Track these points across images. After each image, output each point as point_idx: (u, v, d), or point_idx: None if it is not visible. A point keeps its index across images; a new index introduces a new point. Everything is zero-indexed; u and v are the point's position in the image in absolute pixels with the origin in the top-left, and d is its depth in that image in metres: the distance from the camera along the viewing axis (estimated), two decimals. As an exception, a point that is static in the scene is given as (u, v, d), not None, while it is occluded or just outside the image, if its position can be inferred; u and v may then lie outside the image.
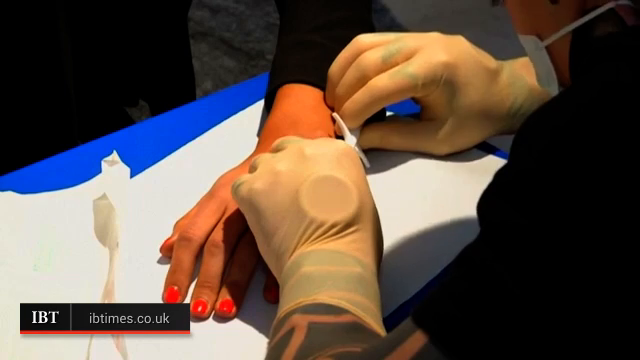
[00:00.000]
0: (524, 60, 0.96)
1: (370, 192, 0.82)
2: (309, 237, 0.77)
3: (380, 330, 0.73)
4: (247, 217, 0.83)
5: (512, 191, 0.59)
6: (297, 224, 0.78)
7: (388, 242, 0.89)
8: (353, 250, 0.77)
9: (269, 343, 0.73)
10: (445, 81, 0.95)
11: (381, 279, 0.80)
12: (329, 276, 0.74)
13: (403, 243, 0.91)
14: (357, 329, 0.71)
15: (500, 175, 0.61)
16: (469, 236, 0.91)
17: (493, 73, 0.97)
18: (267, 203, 0.80)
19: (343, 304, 0.72)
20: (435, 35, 0.96)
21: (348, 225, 0.77)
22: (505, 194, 0.60)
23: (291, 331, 0.70)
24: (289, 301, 0.74)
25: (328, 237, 0.77)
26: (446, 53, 0.94)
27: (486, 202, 0.61)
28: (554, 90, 0.75)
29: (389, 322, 0.82)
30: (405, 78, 0.93)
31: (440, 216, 0.94)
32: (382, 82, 0.94)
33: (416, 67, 0.94)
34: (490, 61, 0.98)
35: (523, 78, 0.97)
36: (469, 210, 0.94)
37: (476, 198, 0.95)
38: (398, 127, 0.98)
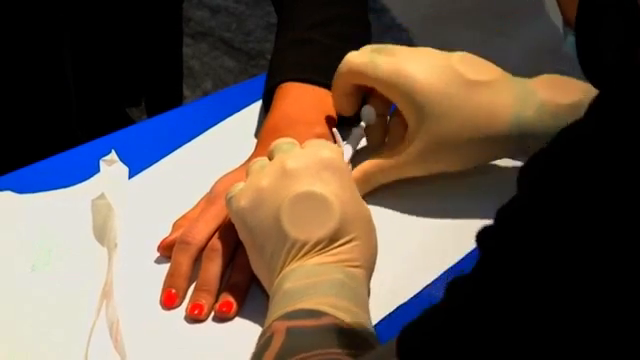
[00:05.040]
0: (545, 77, 0.92)
1: (357, 200, 0.81)
2: (294, 257, 0.77)
3: (362, 329, 0.72)
4: (238, 231, 0.83)
5: (510, 225, 0.58)
6: (281, 245, 0.78)
7: (387, 243, 0.88)
8: (338, 261, 0.77)
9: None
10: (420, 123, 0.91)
11: (369, 285, 0.80)
12: (310, 287, 0.74)
13: (402, 244, 0.91)
14: (337, 331, 0.70)
15: (501, 211, 0.60)
16: (469, 238, 0.91)
17: (477, 86, 0.91)
18: (253, 221, 0.80)
19: (324, 308, 0.72)
20: (414, 62, 0.91)
21: (332, 240, 0.78)
22: (504, 227, 0.58)
23: (271, 336, 0.71)
24: (271, 315, 0.74)
25: (313, 254, 0.77)
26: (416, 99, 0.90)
27: (485, 234, 0.60)
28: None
29: (386, 324, 0.82)
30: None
31: (441, 217, 0.94)
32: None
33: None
34: (481, 73, 0.92)
35: (535, 93, 0.91)
36: (470, 212, 0.94)
37: (476, 199, 0.95)
38: (378, 164, 0.94)
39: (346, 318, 0.72)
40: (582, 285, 0.53)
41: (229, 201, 0.83)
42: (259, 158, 0.85)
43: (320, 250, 0.77)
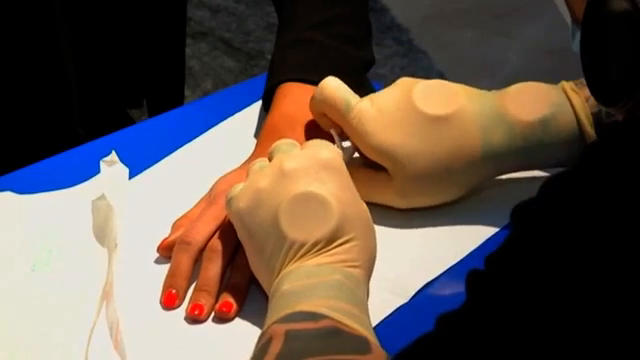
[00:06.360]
0: (516, 88, 0.92)
1: (356, 200, 0.81)
2: (292, 257, 0.77)
3: (365, 331, 0.72)
4: (237, 232, 0.83)
5: (500, 272, 0.58)
6: (279, 246, 0.78)
7: (386, 244, 0.89)
8: (336, 262, 0.77)
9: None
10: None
11: (368, 285, 0.80)
12: (308, 288, 0.74)
13: (402, 245, 0.91)
14: (336, 334, 0.70)
15: (491, 257, 0.60)
16: (469, 238, 0.91)
17: (440, 122, 0.90)
18: (252, 222, 0.80)
19: (322, 310, 0.72)
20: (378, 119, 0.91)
21: (330, 240, 0.77)
22: (494, 274, 0.59)
23: (269, 340, 0.70)
24: (270, 317, 0.74)
25: (312, 254, 0.77)
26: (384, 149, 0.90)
27: (475, 279, 0.60)
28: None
29: (386, 325, 0.82)
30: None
31: (441, 218, 0.93)
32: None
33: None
34: (443, 105, 0.90)
35: (503, 114, 0.90)
36: (469, 212, 0.94)
37: (476, 200, 0.95)
38: (366, 186, 0.92)
39: (345, 320, 0.71)
40: (571, 337, 0.54)
41: (229, 202, 0.83)
42: (259, 159, 0.85)
43: (319, 250, 0.77)
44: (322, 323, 0.70)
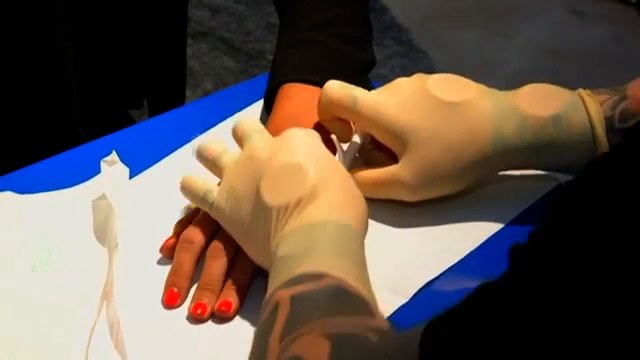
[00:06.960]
0: (528, 88, 0.93)
1: (332, 161, 0.82)
2: (282, 224, 0.78)
3: (362, 289, 0.71)
4: (229, 231, 0.85)
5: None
6: (269, 222, 0.79)
7: (387, 243, 0.89)
8: (325, 214, 0.77)
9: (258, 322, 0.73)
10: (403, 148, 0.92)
11: (363, 241, 0.79)
12: (305, 249, 0.74)
13: (402, 244, 0.91)
14: (340, 292, 0.70)
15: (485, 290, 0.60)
16: (469, 238, 0.91)
17: (455, 108, 0.91)
18: (238, 218, 0.82)
19: (324, 269, 0.71)
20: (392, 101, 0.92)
21: (313, 196, 0.78)
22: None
23: (276, 307, 0.70)
24: (271, 283, 0.73)
25: (300, 212, 0.77)
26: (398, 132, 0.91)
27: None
28: None
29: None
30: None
31: (441, 217, 0.93)
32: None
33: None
34: (457, 93, 0.91)
35: (515, 108, 0.91)
36: (472, 210, 0.94)
37: (476, 200, 0.95)
38: (371, 181, 0.94)
39: (346, 278, 0.71)
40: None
41: (209, 210, 0.86)
42: (228, 153, 0.87)
43: (305, 206, 0.77)
44: (325, 281, 0.70)
